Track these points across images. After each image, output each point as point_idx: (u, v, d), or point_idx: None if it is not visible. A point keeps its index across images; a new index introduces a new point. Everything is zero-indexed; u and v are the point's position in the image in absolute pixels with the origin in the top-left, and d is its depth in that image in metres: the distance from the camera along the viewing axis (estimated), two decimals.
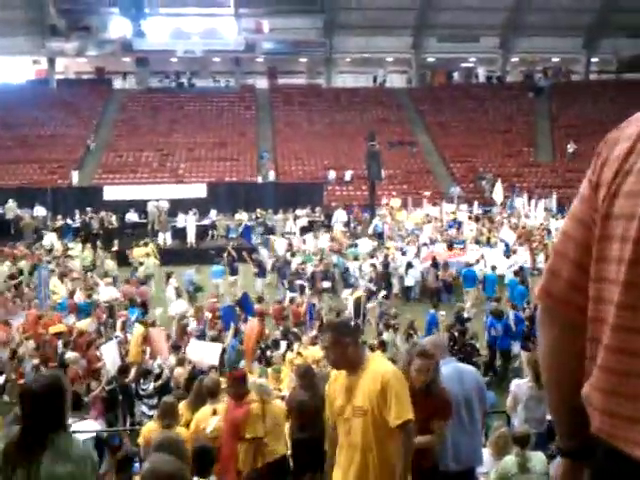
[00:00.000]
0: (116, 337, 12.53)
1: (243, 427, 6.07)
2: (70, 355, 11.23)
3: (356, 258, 19.69)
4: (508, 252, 20.27)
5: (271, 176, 32.52)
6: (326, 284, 18.24)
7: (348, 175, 32.39)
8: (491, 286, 17.85)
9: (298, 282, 17.88)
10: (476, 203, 29.10)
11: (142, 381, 10.38)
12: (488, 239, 22.38)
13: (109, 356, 10.97)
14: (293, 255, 20.71)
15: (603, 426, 1.31)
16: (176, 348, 11.60)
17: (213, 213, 26.80)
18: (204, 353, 11.07)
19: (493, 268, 18.58)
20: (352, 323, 4.04)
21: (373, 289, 17.22)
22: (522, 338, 12.91)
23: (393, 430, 3.69)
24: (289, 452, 6.68)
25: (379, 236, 23.99)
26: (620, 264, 1.26)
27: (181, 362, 10.78)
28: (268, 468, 6.39)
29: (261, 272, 19.29)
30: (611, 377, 1.29)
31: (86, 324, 13.44)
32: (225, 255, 19.76)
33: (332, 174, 32.56)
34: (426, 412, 4.12)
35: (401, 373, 3.86)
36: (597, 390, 1.32)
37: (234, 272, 19.14)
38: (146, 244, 22.08)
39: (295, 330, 13.37)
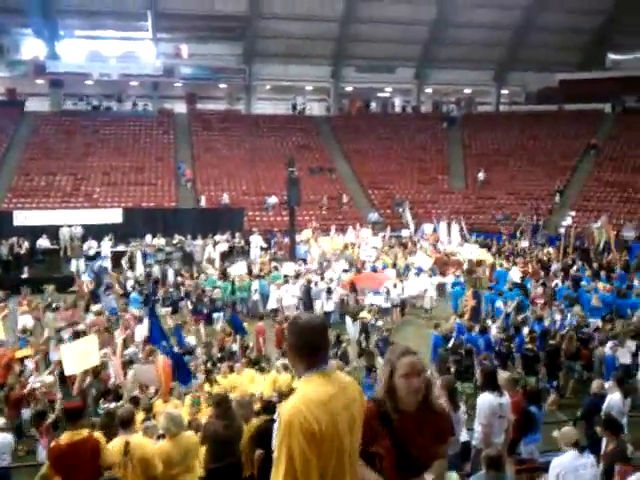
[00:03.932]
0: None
1: None
2: (46, 378, 11.36)
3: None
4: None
5: (202, 201, 32.20)
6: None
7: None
8: (456, 301, 18.51)
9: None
10: (388, 228, 29.58)
11: (102, 401, 10.12)
12: (394, 264, 22.94)
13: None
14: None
15: None
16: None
17: (148, 238, 26.31)
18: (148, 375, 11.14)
19: (457, 284, 19.23)
20: (310, 325, 2.93)
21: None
22: (503, 356, 13.05)
23: None
24: None
25: (303, 261, 24.06)
26: None
27: None
28: None
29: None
30: None
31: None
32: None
33: (274, 199, 32.33)
34: (424, 438, 3.37)
35: (291, 424, 2.73)
36: None
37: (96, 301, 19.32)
38: None
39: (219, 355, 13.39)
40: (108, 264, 24.14)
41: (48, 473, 5.90)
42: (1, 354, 13.17)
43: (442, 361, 12.80)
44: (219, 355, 13.52)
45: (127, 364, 12.48)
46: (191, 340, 14.95)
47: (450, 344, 13.47)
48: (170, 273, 22.64)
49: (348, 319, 16.72)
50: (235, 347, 14.32)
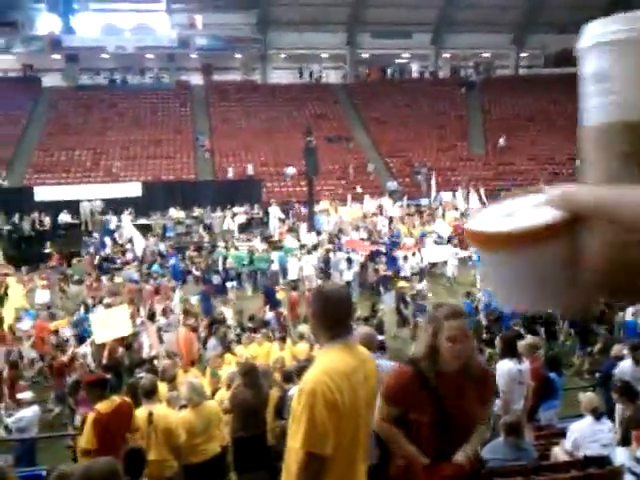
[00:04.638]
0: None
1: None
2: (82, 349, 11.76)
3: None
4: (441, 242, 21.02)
5: (230, 173, 32.10)
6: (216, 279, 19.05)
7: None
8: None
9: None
10: (405, 197, 29.42)
11: (137, 371, 10.48)
12: (410, 232, 22.86)
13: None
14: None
15: None
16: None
17: (172, 211, 26.64)
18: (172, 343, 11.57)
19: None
20: (336, 295, 2.82)
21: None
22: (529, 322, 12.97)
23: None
24: (229, 450, 6.67)
25: (318, 233, 24.01)
26: None
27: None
28: (198, 469, 6.37)
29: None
30: None
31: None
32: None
33: (292, 170, 32.15)
34: (465, 399, 3.19)
35: (314, 393, 2.68)
36: None
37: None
38: None
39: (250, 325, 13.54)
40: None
41: (90, 447, 5.79)
42: (39, 326, 13.56)
43: (476, 330, 12.88)
44: (250, 325, 13.52)
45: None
46: (226, 311, 15.09)
47: (483, 313, 13.62)
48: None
49: (382, 289, 17.04)
50: (269, 316, 14.47)
